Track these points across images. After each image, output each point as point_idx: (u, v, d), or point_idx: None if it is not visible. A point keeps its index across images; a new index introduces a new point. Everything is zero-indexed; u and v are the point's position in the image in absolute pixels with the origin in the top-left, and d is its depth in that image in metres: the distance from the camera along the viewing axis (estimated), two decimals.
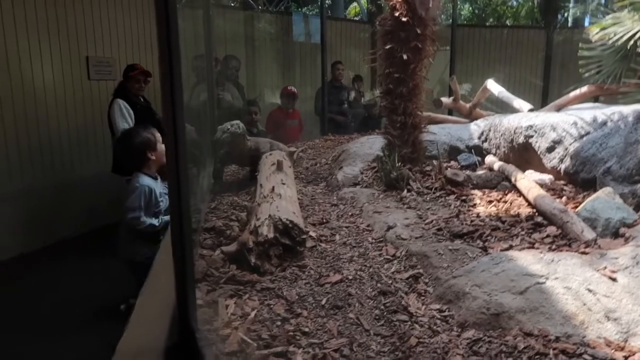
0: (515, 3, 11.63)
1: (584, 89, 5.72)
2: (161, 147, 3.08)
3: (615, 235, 2.21)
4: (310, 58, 8.73)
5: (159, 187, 3.12)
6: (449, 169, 3.34)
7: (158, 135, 3.12)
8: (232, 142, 3.40)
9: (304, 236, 2.18)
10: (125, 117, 4.69)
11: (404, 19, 3.40)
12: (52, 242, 5.34)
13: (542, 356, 1.43)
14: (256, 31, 8.69)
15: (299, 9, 11.19)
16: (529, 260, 1.81)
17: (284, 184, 2.74)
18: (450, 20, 9.31)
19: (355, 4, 14.29)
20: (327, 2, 11.76)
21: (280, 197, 2.43)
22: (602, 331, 1.51)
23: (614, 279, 1.67)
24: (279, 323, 1.63)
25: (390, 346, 1.55)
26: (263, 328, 1.58)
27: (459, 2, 11.22)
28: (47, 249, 5.24)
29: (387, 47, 3.49)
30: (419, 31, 3.42)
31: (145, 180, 3.04)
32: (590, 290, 1.62)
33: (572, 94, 5.75)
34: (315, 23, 9.77)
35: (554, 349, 1.45)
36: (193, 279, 1.60)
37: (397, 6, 3.44)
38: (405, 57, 3.42)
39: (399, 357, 1.49)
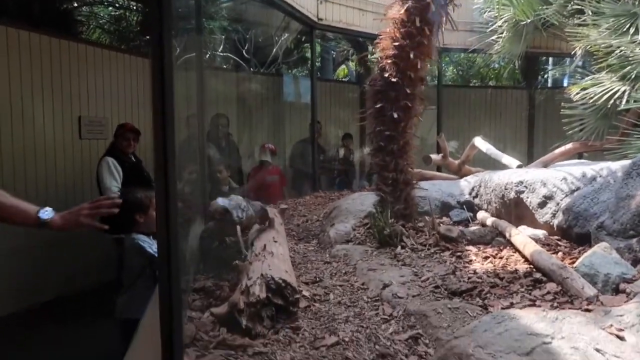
0: (497, 65, 12.11)
1: (569, 146, 5.87)
2: (152, 213, 3.03)
3: (616, 291, 2.16)
4: (300, 117, 8.90)
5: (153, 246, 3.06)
6: (442, 225, 3.31)
7: (155, 202, 3.07)
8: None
9: (297, 296, 2.10)
10: (113, 175, 4.65)
11: (393, 80, 3.50)
12: (35, 303, 5.11)
13: None
14: (248, 91, 8.91)
15: (290, 71, 11.54)
16: (532, 318, 1.74)
17: (275, 241, 2.68)
18: (436, 81, 9.63)
19: (344, 66, 14.77)
20: (316, 64, 12.17)
21: (272, 255, 2.37)
22: None
23: (621, 338, 1.61)
24: None
25: None
26: None
27: (442, 64, 11.63)
28: (30, 312, 5.00)
29: (378, 106, 3.56)
30: (408, 91, 3.51)
31: (141, 237, 2.98)
32: (598, 350, 1.55)
33: (558, 150, 5.90)
34: (305, 84, 10.07)
35: None
36: (181, 346, 1.51)
37: (387, 67, 3.54)
38: (395, 115, 3.48)
39: None
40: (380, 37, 3.64)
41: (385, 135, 3.52)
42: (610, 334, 1.63)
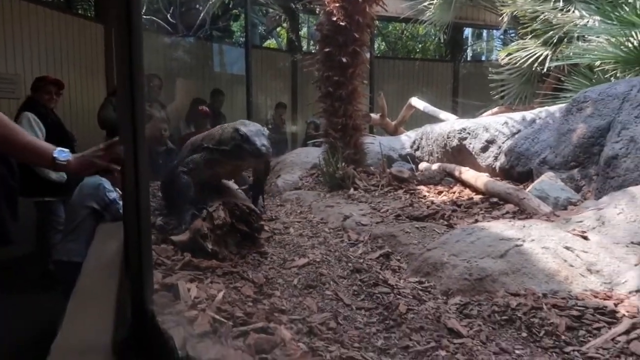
0: (424, 39, 12.45)
1: (495, 109, 6.14)
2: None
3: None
4: (228, 85, 8.58)
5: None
6: (393, 166, 3.33)
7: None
8: None
9: (262, 222, 2.00)
10: (35, 132, 4.18)
11: (341, 23, 3.42)
12: None
13: (537, 310, 1.37)
14: (175, 56, 8.48)
15: (221, 38, 11.09)
16: (501, 227, 1.78)
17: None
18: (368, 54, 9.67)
19: (272, 40, 14.44)
20: (243, 35, 11.79)
21: (228, 188, 2.24)
22: (587, 284, 1.49)
23: (586, 238, 1.68)
24: (250, 303, 1.43)
25: (378, 316, 1.42)
26: (234, 308, 1.38)
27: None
28: None
29: (326, 50, 3.48)
30: (357, 35, 3.45)
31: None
32: (567, 248, 1.61)
33: (485, 114, 6.15)
34: (231, 52, 9.73)
35: (546, 304, 1.40)
36: (150, 256, 1.37)
37: (334, 11, 3.45)
38: (344, 60, 3.42)
39: (391, 325, 1.36)
40: None
41: (334, 80, 3.45)
42: (576, 235, 1.70)
